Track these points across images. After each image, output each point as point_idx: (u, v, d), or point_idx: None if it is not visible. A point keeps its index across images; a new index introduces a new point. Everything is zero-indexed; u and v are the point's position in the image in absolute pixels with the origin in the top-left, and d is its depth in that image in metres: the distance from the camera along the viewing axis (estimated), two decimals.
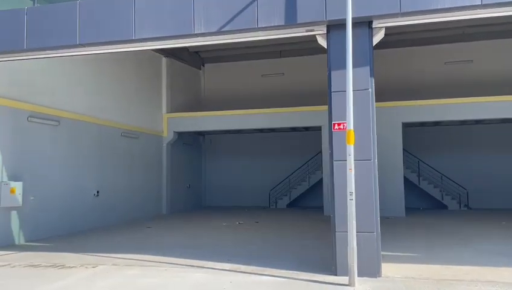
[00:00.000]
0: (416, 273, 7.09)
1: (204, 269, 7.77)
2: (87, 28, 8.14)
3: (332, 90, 7.25)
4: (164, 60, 19.98)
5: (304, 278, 6.96)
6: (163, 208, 19.18)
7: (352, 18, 6.96)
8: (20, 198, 10.83)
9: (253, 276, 7.14)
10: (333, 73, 7.26)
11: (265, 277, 7.04)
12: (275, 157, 23.10)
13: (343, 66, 7.10)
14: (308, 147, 22.37)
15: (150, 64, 18.74)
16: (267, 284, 6.68)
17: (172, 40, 7.96)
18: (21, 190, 10.83)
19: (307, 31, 7.49)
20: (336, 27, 7.26)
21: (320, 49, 21.70)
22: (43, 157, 12.08)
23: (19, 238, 11.20)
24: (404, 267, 7.54)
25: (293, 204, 22.16)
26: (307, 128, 21.65)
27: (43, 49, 8.59)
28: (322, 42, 7.63)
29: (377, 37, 7.32)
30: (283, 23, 7.27)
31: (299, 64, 23.03)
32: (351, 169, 6.57)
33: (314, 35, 7.67)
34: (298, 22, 7.22)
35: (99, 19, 8.10)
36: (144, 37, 7.90)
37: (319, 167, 21.90)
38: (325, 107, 17.90)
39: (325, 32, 7.42)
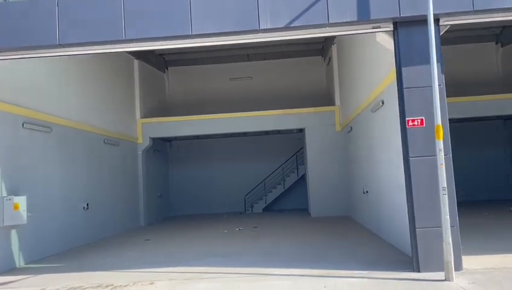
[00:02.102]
0: (493, 264, 7.27)
1: (275, 276, 7.37)
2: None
3: (404, 86, 7.23)
4: (136, 62, 18.88)
5: (391, 277, 6.86)
6: (141, 219, 18.03)
7: (421, 15, 7.06)
8: (24, 215, 9.52)
9: (338, 279, 6.89)
10: (404, 70, 7.25)
11: (354, 279, 6.84)
12: (247, 161, 22.81)
13: (416, 62, 7.17)
14: (281, 150, 22.41)
15: (122, 67, 17.56)
16: (362, 285, 6.48)
17: (234, 36, 7.48)
18: (25, 205, 9.54)
19: (374, 28, 7.44)
20: (404, 24, 7.29)
21: (287, 53, 22.53)
22: (37, 168, 10.76)
23: (19, 260, 9.84)
24: (479, 259, 7.63)
25: (268, 208, 22.00)
26: (279, 132, 21.67)
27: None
28: (385, 39, 7.62)
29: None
30: (355, 19, 7.15)
31: (267, 68, 23.03)
32: (442, 164, 6.58)
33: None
34: (371, 18, 7.14)
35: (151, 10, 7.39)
36: (204, 33, 7.34)
37: (294, 169, 22.07)
38: (306, 110, 18.32)
39: (392, 29, 7.41)
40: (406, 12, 7.10)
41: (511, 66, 19.80)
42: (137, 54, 18.77)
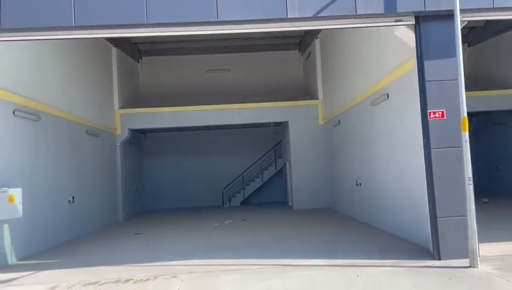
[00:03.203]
0: (508, 252, 7.62)
1: (300, 266, 7.35)
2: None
3: (426, 79, 7.39)
4: (114, 50, 18.13)
5: (417, 265, 7.03)
6: (120, 213, 17.42)
7: (444, 10, 7.25)
8: (20, 207, 8.91)
9: (366, 268, 6.97)
10: (426, 63, 7.41)
11: (384, 268, 6.96)
12: (225, 155, 22.64)
13: (437, 56, 7.35)
14: (259, 143, 22.40)
15: (100, 55, 16.78)
16: (394, 273, 6.60)
17: (261, 24, 7.34)
18: (21, 197, 8.92)
19: (396, 21, 7.54)
20: (426, 18, 7.43)
21: (264, 47, 22.47)
22: (26, 158, 10.09)
23: (11, 257, 9.21)
24: (492, 247, 7.93)
25: (246, 201, 21.95)
26: (257, 125, 21.65)
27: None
28: (404, 33, 7.74)
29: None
30: (382, 12, 7.22)
31: (244, 61, 22.85)
32: (468, 155, 6.80)
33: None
34: (397, 11, 7.24)
35: None
36: (227, 20, 7.15)
37: (272, 162, 22.13)
38: (289, 103, 18.41)
39: (413, 23, 7.54)
40: (431, 7, 7.25)
41: (478, 66, 20.81)
42: (115, 42, 18.05)
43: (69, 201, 12.35)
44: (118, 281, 7.06)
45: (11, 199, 8.64)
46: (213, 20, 7.14)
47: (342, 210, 15.24)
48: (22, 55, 10.14)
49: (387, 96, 9.93)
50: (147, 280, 7.02)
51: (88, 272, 7.77)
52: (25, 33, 7.26)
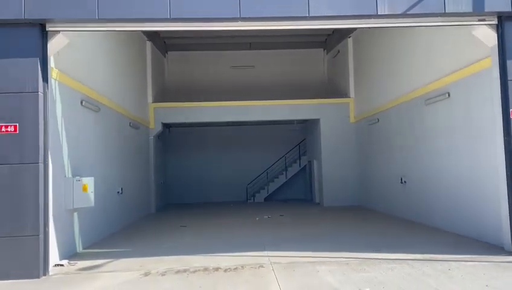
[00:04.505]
0: None
1: (384, 260, 7.45)
2: None
3: (508, 78, 7.55)
4: (148, 43, 18.19)
5: (499, 260, 7.18)
6: (152, 206, 17.50)
7: None
8: (92, 197, 9.00)
9: (452, 263, 7.10)
10: (509, 62, 7.57)
11: (469, 263, 7.10)
12: (249, 151, 22.73)
13: None
14: (282, 140, 22.54)
15: (138, 47, 16.83)
16: (486, 268, 6.74)
17: (350, 20, 7.46)
18: (93, 186, 9.00)
19: (479, 20, 7.69)
20: (509, 18, 7.59)
21: (289, 44, 22.57)
22: (87, 148, 10.16)
23: (79, 245, 9.29)
24: None
25: (269, 198, 22.07)
26: (280, 123, 21.76)
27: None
28: (484, 33, 7.88)
29: None
30: (470, 10, 7.37)
31: (268, 58, 22.98)
32: None
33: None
34: (486, 10, 7.39)
35: None
36: (319, 15, 7.27)
37: (296, 160, 22.29)
38: (321, 101, 18.57)
39: (496, 22, 7.70)
40: None
41: None
42: (149, 36, 18.10)
43: (118, 192, 12.43)
44: (206, 269, 7.17)
45: (84, 188, 8.72)
46: (305, 15, 7.24)
47: (378, 208, 15.40)
48: (86, 47, 10.20)
49: (448, 94, 10.09)
50: (235, 268, 7.14)
51: (168, 261, 7.87)
52: (119, 23, 7.33)
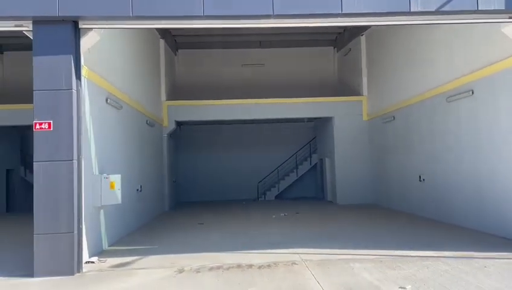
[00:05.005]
0: None
1: (417, 257, 7.43)
2: None
3: None
4: (161, 41, 18.18)
5: None
6: (166, 204, 17.51)
7: None
8: (119, 194, 9.01)
9: (488, 260, 7.11)
10: None
11: (504, 260, 7.11)
12: (259, 149, 22.72)
13: None
14: (291, 138, 22.54)
15: (152, 45, 16.82)
16: None
17: (385, 18, 7.46)
18: (120, 184, 9.01)
19: (510, 18, 7.68)
20: None
21: (299, 42, 22.55)
22: (110, 145, 10.14)
23: (105, 242, 9.31)
24: None
25: (279, 196, 22.07)
26: (290, 121, 21.72)
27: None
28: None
29: None
30: (503, 8, 7.36)
31: (278, 56, 22.97)
32: None
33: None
34: None
35: None
36: (355, 12, 7.26)
37: (307, 158, 22.29)
38: (333, 99, 18.57)
39: None
40: None
41: None
42: (162, 33, 18.10)
43: (137, 190, 12.44)
44: (239, 266, 7.18)
45: (112, 185, 8.73)
46: (338, 12, 7.24)
47: (393, 206, 15.40)
48: (107, 44, 10.19)
49: (472, 92, 10.09)
50: (269, 265, 7.16)
51: (197, 258, 7.88)
52: (153, 21, 7.34)
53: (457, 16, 7.54)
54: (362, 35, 18.48)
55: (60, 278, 6.70)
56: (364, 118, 18.24)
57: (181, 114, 18.33)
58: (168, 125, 17.95)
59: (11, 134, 19.56)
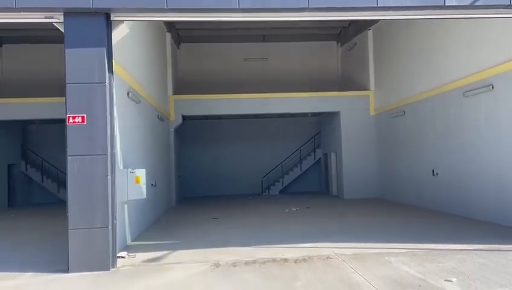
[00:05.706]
0: None
1: (448, 251, 7.49)
2: None
3: None
4: (168, 35, 18.00)
5: None
6: (173, 199, 17.41)
7: None
8: (144, 189, 8.93)
9: None
10: None
11: None
12: (263, 144, 22.68)
13: None
14: (295, 133, 22.54)
15: (160, 39, 16.62)
16: None
17: (417, 11, 7.45)
18: (145, 178, 8.92)
19: None
20: None
21: (302, 36, 22.51)
22: (128, 139, 10.00)
23: (129, 237, 9.23)
24: None
25: (283, 191, 22.09)
26: (294, 115, 21.70)
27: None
28: None
29: None
30: None
31: (281, 50, 22.92)
32: None
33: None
34: None
35: None
36: (386, 5, 7.24)
37: (311, 152, 22.32)
38: (339, 93, 18.59)
39: None
40: None
41: None
42: (168, 27, 17.91)
43: (152, 185, 12.33)
44: (274, 260, 7.17)
45: (137, 180, 8.65)
46: (373, 5, 7.22)
47: (403, 200, 15.50)
48: (131, 38, 10.04)
49: (492, 87, 10.17)
50: (304, 259, 7.16)
51: (228, 252, 7.85)
52: (186, 14, 7.24)
53: (489, 10, 7.55)
54: (369, 29, 18.50)
55: (97, 273, 6.63)
56: (371, 112, 18.30)
57: (187, 108, 18.19)
58: (175, 120, 17.80)
59: (12, 128, 19.23)
